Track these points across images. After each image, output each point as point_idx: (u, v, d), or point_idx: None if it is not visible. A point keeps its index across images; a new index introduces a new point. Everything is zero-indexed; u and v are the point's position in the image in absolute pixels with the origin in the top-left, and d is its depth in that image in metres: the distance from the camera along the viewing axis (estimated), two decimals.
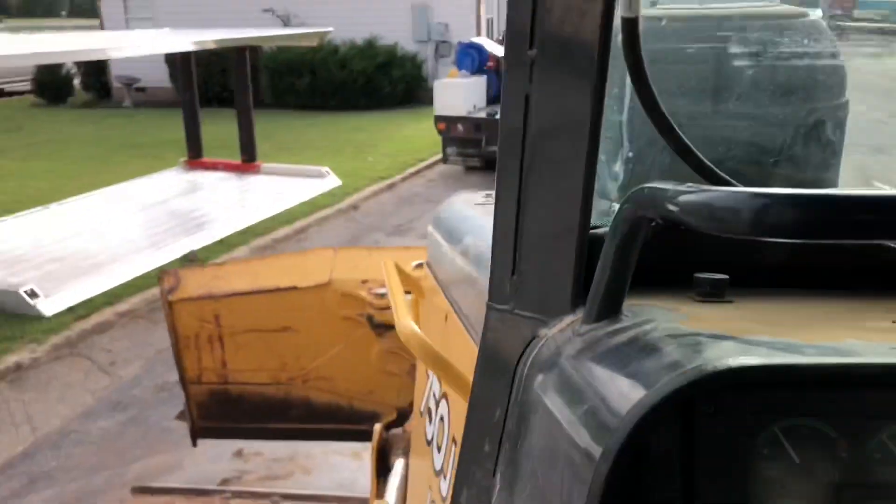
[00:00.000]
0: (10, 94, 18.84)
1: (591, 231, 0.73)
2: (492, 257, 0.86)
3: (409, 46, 15.52)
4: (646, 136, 0.90)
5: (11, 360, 4.47)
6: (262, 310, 2.85)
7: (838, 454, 0.53)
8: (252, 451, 3.66)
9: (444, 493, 1.14)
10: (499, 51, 10.01)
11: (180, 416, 3.18)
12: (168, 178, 7.93)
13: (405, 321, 1.18)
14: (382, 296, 2.66)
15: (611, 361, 0.62)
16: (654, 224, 0.59)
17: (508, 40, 0.79)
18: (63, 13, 64.25)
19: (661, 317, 0.67)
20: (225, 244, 6.26)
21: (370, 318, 2.77)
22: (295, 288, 2.80)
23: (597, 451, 0.54)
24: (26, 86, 18.04)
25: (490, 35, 15.56)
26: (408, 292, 1.59)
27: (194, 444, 3.13)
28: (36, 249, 5.50)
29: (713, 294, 0.73)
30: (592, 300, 0.67)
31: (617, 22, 0.68)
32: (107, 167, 9.50)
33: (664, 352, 0.58)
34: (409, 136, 11.40)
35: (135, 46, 7.24)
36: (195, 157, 8.36)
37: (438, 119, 8.96)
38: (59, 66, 16.61)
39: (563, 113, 0.74)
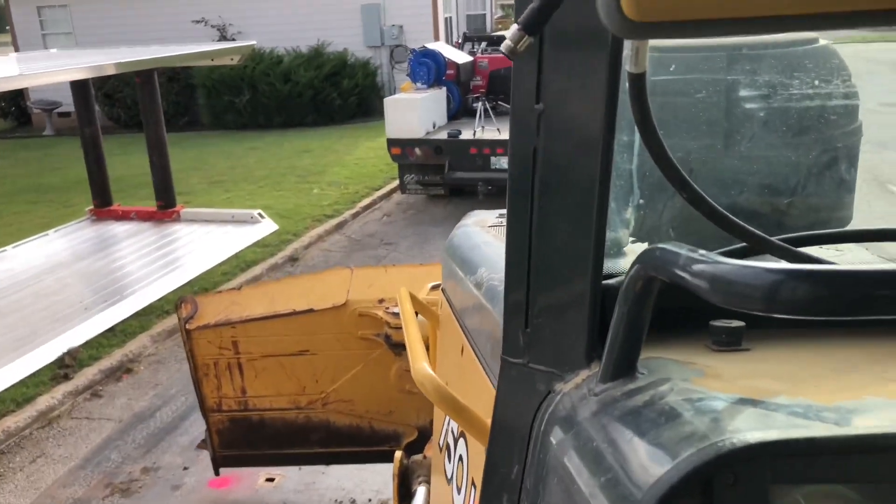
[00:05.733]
0: None
1: (605, 282, 0.74)
2: (504, 311, 0.86)
3: (360, 52, 14.14)
4: (656, 182, 0.87)
5: None
6: (280, 334, 2.81)
7: None
8: None
9: None
10: (459, 57, 8.70)
11: (202, 446, 3.17)
12: (65, 237, 6.50)
13: (420, 365, 1.14)
14: (399, 315, 2.55)
15: (628, 427, 0.61)
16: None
17: (514, 92, 0.80)
18: None
19: (676, 374, 0.66)
20: (119, 333, 4.87)
21: (388, 338, 2.71)
22: (312, 311, 2.75)
23: None
24: None
25: (449, 37, 14.23)
26: (419, 314, 1.58)
27: (217, 474, 3.13)
28: None
29: (729, 343, 0.72)
30: (607, 359, 0.68)
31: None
32: None
33: (681, 420, 0.58)
34: (362, 157, 10.04)
35: (6, 77, 5.78)
36: (102, 204, 6.97)
37: (392, 143, 7.60)
38: None
39: (571, 166, 0.75)
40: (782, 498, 0.53)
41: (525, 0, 0.68)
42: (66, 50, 8.99)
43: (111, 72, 6.30)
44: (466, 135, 7.53)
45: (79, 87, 6.72)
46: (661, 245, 0.60)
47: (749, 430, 0.53)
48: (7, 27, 16.08)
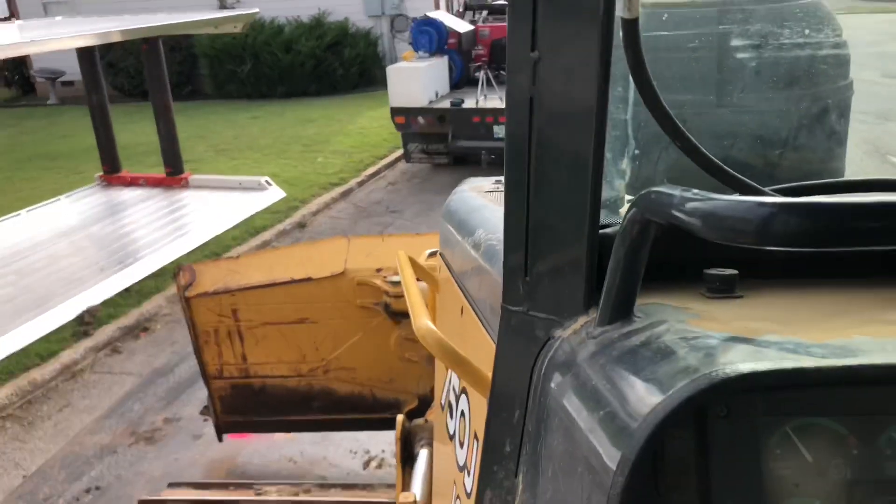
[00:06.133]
0: None
1: (601, 231, 0.75)
2: (504, 260, 0.87)
3: (361, 22, 14.08)
4: (651, 132, 0.89)
5: None
6: (280, 302, 2.82)
7: (850, 451, 0.54)
8: None
9: (468, 489, 1.14)
10: (460, 26, 8.74)
11: (204, 412, 3.20)
12: (76, 202, 6.64)
13: (422, 320, 1.16)
14: (397, 283, 2.63)
15: (625, 365, 0.63)
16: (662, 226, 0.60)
17: (510, 43, 0.79)
18: None
19: (672, 317, 0.68)
20: (134, 293, 5.04)
21: (387, 307, 2.73)
22: (310, 279, 2.77)
23: (615, 457, 0.56)
24: None
25: (450, 6, 14.18)
26: (419, 279, 1.59)
27: (220, 440, 3.17)
28: None
29: (723, 290, 0.74)
30: (605, 303, 0.69)
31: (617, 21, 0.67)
32: (11, 186, 8.13)
33: (676, 356, 0.60)
34: (365, 126, 10.12)
35: (10, 44, 5.85)
36: (111, 171, 7.08)
37: (395, 111, 7.69)
38: None
39: (567, 114, 0.75)
40: (773, 430, 0.54)
41: None
42: (71, 18, 9.00)
43: (117, 39, 6.37)
44: (469, 103, 7.62)
45: (85, 54, 6.77)
46: (655, 188, 0.61)
47: (741, 361, 0.55)
48: None
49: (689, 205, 0.55)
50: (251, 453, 3.46)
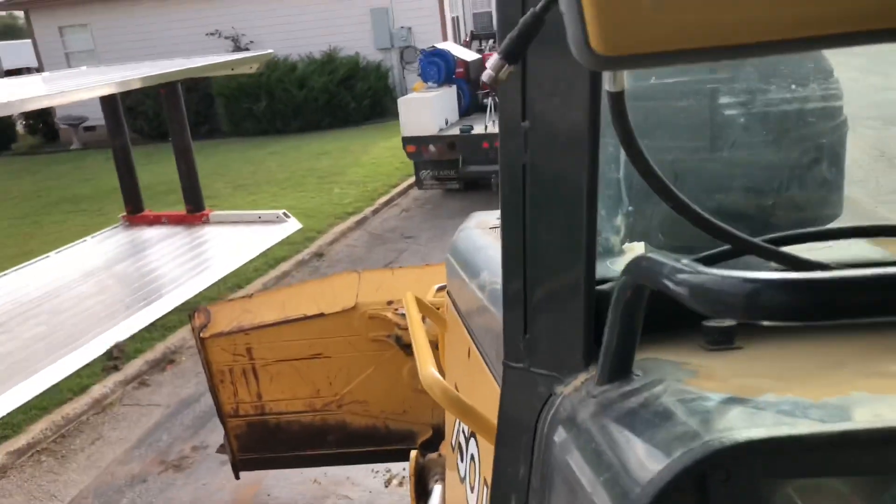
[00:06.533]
0: None
1: (599, 287, 0.76)
2: (503, 318, 0.88)
3: (371, 56, 14.46)
4: (644, 190, 0.84)
5: None
6: (293, 339, 2.85)
7: None
8: None
9: None
10: (467, 55, 8.97)
11: (221, 450, 3.21)
12: (102, 243, 6.86)
13: (427, 369, 1.17)
14: None
15: (625, 428, 0.64)
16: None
17: (502, 111, 0.82)
18: None
19: (670, 375, 0.68)
20: (159, 328, 5.20)
21: (398, 339, 2.76)
22: (322, 315, 2.80)
23: None
24: None
25: (457, 36, 14.50)
26: (426, 318, 1.63)
27: (237, 477, 3.20)
28: None
29: (721, 342, 0.74)
30: (603, 363, 0.70)
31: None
32: (39, 229, 8.41)
33: (675, 420, 0.60)
34: (378, 157, 10.35)
35: (40, 96, 6.15)
36: (134, 211, 7.31)
37: (407, 141, 7.88)
38: None
39: (559, 180, 0.77)
40: (775, 492, 0.55)
41: (504, 29, 0.72)
42: (95, 67, 9.36)
43: (138, 85, 6.61)
44: (478, 129, 7.79)
45: (108, 101, 7.05)
46: (647, 254, 0.62)
47: (738, 428, 0.55)
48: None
49: (678, 276, 0.56)
50: (276, 475, 3.56)
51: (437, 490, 1.89)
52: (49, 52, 15.92)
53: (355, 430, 2.96)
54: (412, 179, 8.60)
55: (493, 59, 0.69)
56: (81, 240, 6.89)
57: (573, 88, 0.72)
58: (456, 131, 7.90)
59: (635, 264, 0.63)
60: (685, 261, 0.57)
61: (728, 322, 0.75)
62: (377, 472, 3.49)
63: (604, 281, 0.79)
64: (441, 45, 9.10)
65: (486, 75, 0.68)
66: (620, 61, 0.48)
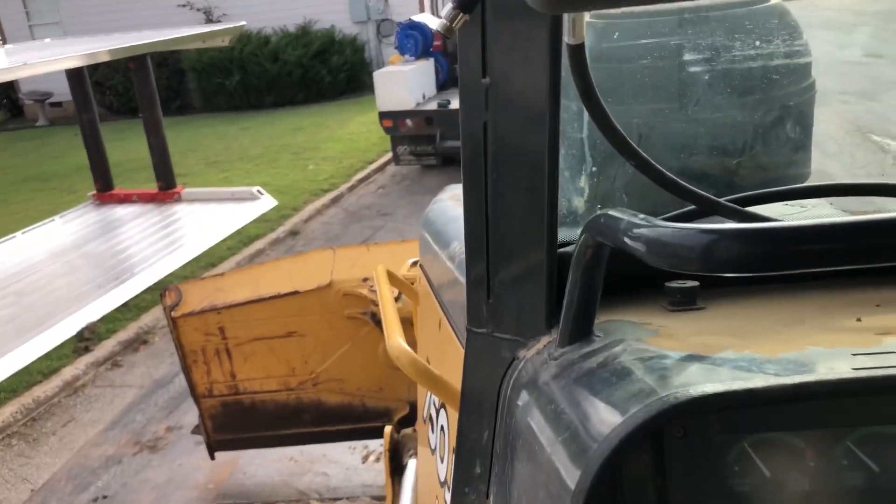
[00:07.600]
0: None
1: (561, 250, 0.76)
2: (466, 283, 0.87)
3: (347, 29, 14.18)
4: (607, 150, 0.85)
5: None
6: (266, 317, 2.81)
7: (807, 463, 0.55)
8: None
9: None
10: None
11: (196, 431, 3.19)
12: (71, 222, 6.70)
13: (394, 339, 1.16)
14: None
15: (584, 388, 0.64)
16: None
17: (462, 68, 0.80)
18: None
19: (630, 335, 0.69)
20: (132, 308, 5.11)
21: (373, 316, 2.72)
22: (296, 292, 2.76)
23: (574, 480, 0.56)
24: None
25: (434, 9, 14.27)
26: (400, 293, 1.66)
27: (212, 458, 3.19)
28: None
29: (683, 303, 0.74)
30: (564, 325, 0.70)
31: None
32: (5, 208, 8.20)
33: (632, 378, 0.60)
34: (355, 132, 10.20)
35: (2, 69, 5.93)
36: (104, 188, 7.14)
37: (383, 115, 7.77)
38: None
39: (521, 138, 0.75)
40: (730, 447, 0.55)
41: None
42: (60, 39, 9.07)
43: (106, 58, 6.42)
44: (455, 104, 7.67)
45: (74, 75, 6.83)
46: (605, 212, 0.61)
47: (694, 384, 0.55)
48: None
49: (635, 231, 0.55)
50: (252, 454, 3.53)
51: (411, 465, 1.88)
52: (12, 23, 15.38)
53: (331, 408, 2.94)
54: (389, 155, 8.50)
55: (447, 9, 0.68)
56: (49, 219, 6.72)
57: (532, 42, 0.70)
58: (433, 106, 7.81)
59: (594, 222, 0.63)
60: (642, 216, 0.56)
61: (690, 283, 0.75)
62: (354, 448, 3.48)
63: (567, 244, 0.77)
64: (418, 18, 8.95)
65: (439, 24, 0.66)
66: (569, 3, 0.49)
